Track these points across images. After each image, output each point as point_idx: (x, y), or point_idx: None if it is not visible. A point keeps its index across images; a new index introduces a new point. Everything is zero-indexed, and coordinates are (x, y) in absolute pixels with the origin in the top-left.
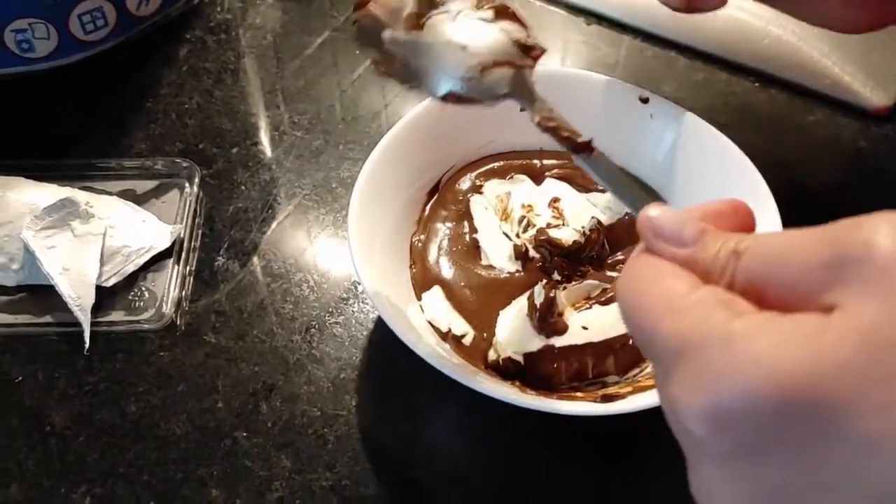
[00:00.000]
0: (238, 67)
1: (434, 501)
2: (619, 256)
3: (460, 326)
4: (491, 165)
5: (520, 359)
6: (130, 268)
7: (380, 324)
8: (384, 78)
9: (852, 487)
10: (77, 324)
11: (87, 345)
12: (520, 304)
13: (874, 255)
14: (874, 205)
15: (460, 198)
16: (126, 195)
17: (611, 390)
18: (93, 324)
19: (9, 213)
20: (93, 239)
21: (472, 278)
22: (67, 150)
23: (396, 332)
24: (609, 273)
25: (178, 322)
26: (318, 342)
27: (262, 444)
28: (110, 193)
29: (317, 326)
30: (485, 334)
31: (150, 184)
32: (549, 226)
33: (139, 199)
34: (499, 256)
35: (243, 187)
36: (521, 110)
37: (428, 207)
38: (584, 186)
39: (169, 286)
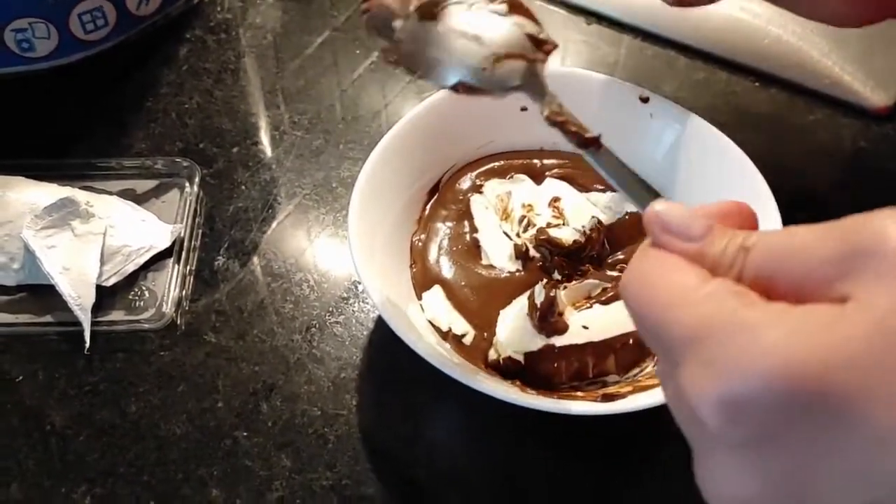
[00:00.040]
0: (238, 67)
1: (434, 501)
2: (620, 256)
3: (461, 326)
4: (491, 165)
5: (520, 358)
6: (131, 267)
7: (380, 323)
8: (392, 67)
9: (865, 476)
10: (77, 323)
11: (87, 344)
12: (520, 304)
13: (886, 247)
14: (874, 205)
15: (461, 197)
16: (126, 195)
17: (611, 390)
18: (93, 323)
19: (9, 212)
20: (93, 238)
21: (473, 278)
22: (67, 149)
23: (397, 332)
24: (609, 272)
25: (179, 322)
26: (318, 342)
27: (263, 444)
28: (110, 193)
29: (317, 326)
30: (485, 334)
31: (151, 183)
32: (549, 225)
33: (139, 199)
34: (499, 256)
35: (243, 187)
36: (523, 109)
37: (428, 207)
38: (584, 186)
39: (169, 286)
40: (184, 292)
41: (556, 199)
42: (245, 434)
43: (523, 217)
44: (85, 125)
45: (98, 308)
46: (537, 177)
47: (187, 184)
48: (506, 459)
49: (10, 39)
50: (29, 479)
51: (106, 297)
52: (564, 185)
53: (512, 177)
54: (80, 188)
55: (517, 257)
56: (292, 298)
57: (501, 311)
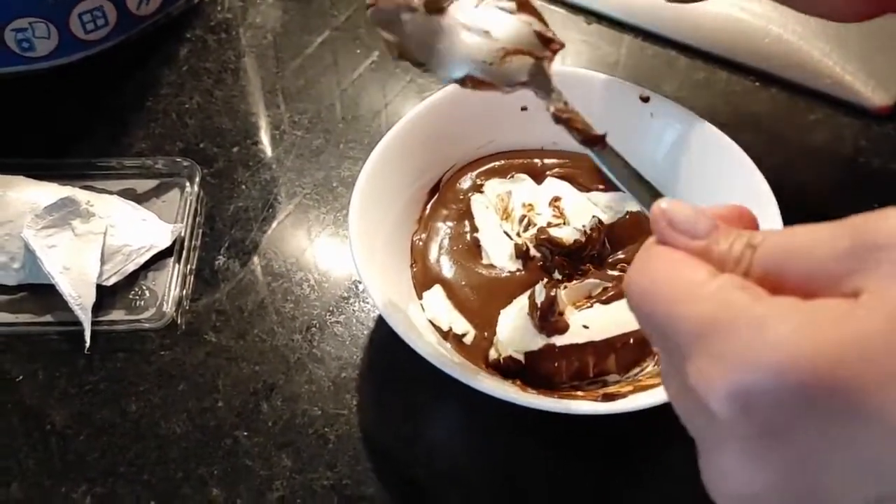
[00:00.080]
0: (238, 67)
1: (434, 500)
2: (620, 255)
3: (461, 325)
4: (492, 164)
5: (521, 358)
6: (131, 267)
7: (381, 323)
8: (397, 60)
9: (875, 469)
10: (78, 323)
11: (87, 344)
12: (521, 303)
13: None
14: (875, 205)
15: (461, 197)
16: (127, 194)
17: (611, 389)
18: (93, 323)
19: (9, 212)
20: (93, 238)
21: (473, 277)
22: (68, 149)
23: (397, 331)
24: (610, 272)
25: (179, 321)
26: (318, 341)
27: (263, 444)
28: (111, 192)
29: (317, 325)
30: (486, 333)
31: (151, 183)
32: (549, 225)
33: (140, 199)
34: (500, 255)
35: (244, 186)
36: (523, 109)
37: (429, 206)
38: (584, 185)
39: (169, 285)
40: (184, 292)
41: (556, 199)
42: (245, 433)
43: (524, 216)
44: (85, 125)
45: (98, 307)
46: (538, 176)
47: (188, 183)
48: (506, 459)
49: (11, 39)
50: (29, 479)
51: (106, 296)
52: (565, 184)
53: (512, 176)
54: (80, 188)
55: (518, 257)
56: (293, 298)
57: (502, 311)
